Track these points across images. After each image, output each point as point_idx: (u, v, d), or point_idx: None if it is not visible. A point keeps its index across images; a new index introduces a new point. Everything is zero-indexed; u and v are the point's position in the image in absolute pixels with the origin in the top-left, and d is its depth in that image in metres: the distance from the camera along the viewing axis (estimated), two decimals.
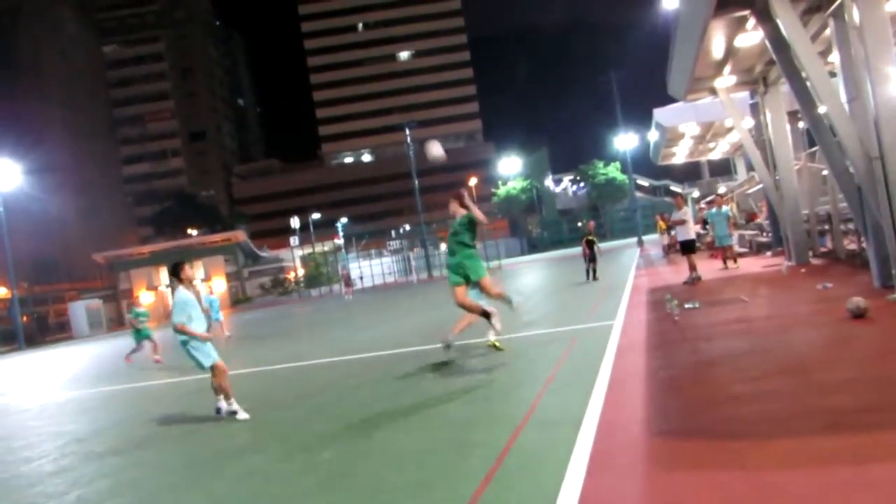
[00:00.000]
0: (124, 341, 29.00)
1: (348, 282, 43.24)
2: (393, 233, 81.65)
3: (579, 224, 23.10)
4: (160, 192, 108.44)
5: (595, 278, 19.43)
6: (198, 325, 7.39)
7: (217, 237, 69.79)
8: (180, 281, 7.49)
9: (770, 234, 19.73)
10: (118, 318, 62.84)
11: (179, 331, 7.31)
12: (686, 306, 10.41)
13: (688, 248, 15.00)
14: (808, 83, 10.73)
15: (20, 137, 73.66)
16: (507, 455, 4.57)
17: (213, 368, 7.45)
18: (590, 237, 20.02)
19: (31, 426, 9.28)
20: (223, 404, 7.55)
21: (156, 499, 5.00)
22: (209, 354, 7.46)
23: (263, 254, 74.39)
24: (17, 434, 8.75)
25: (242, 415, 7.32)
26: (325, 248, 68.08)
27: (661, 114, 27.48)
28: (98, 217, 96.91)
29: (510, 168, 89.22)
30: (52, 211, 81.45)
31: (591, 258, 19.71)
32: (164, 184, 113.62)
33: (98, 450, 6.99)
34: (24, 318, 51.45)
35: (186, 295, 7.43)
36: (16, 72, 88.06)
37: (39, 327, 57.33)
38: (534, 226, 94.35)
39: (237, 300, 60.48)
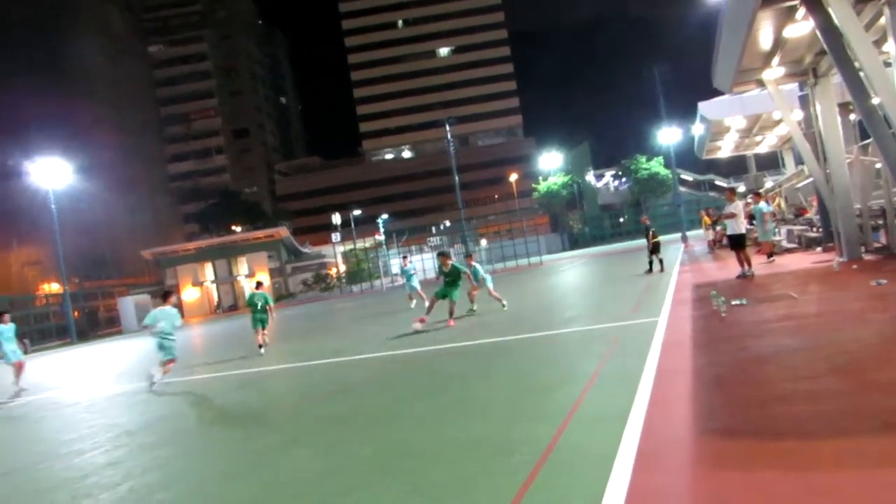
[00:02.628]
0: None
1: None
2: (433, 229, 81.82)
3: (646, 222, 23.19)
4: (205, 190, 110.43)
5: (661, 269, 19.95)
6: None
7: (260, 234, 70.88)
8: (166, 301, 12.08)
9: (820, 229, 19.25)
10: None
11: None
12: (733, 303, 10.23)
13: (737, 242, 14.72)
14: (861, 74, 10.43)
15: (70, 137, 75.69)
16: (552, 453, 4.56)
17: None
18: (648, 229, 20.68)
19: (82, 419, 9.56)
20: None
21: (204, 491, 5.12)
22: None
23: (305, 250, 75.28)
24: (70, 427, 9.03)
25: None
26: (366, 244, 68.53)
27: (706, 107, 26.98)
28: (145, 214, 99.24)
29: (551, 163, 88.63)
30: (101, 208, 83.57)
31: (651, 250, 20.27)
32: (209, 181, 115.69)
33: (148, 442, 7.18)
34: (76, 313, 52.92)
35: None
36: (64, 73, 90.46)
37: (90, 322, 58.83)
38: (575, 222, 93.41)
39: (280, 296, 61.33)
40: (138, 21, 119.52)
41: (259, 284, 15.58)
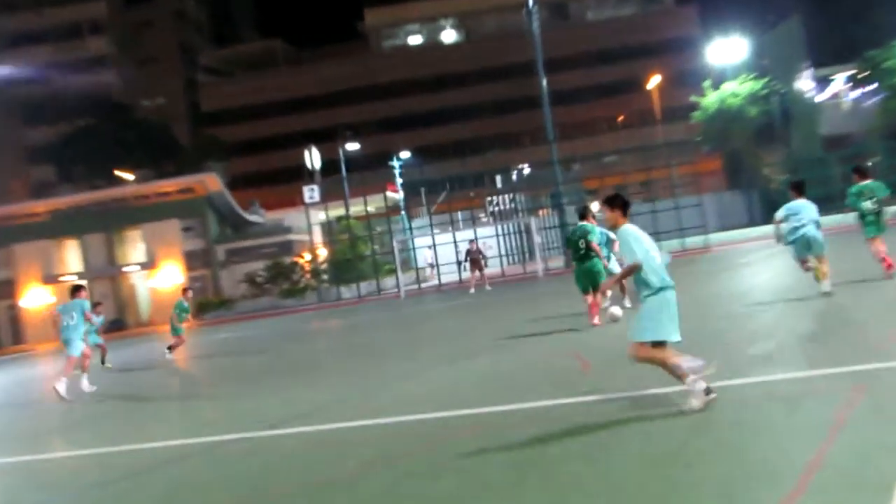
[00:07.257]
0: (17, 374, 30.22)
1: (478, 263, 44.59)
2: (498, 180, 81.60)
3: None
4: (70, 101, 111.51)
5: None
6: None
7: (170, 185, 70.98)
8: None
9: None
10: None
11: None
12: None
13: None
14: None
15: None
16: None
17: None
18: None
19: None
20: None
21: None
22: None
23: (254, 218, 75.62)
24: None
25: None
26: (371, 208, 68.44)
27: None
28: None
29: (728, 56, 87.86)
30: None
31: None
32: (76, 84, 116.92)
33: None
34: None
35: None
36: None
37: None
38: (774, 169, 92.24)
39: (205, 303, 61.79)
40: None
41: (185, 290, 29.52)
